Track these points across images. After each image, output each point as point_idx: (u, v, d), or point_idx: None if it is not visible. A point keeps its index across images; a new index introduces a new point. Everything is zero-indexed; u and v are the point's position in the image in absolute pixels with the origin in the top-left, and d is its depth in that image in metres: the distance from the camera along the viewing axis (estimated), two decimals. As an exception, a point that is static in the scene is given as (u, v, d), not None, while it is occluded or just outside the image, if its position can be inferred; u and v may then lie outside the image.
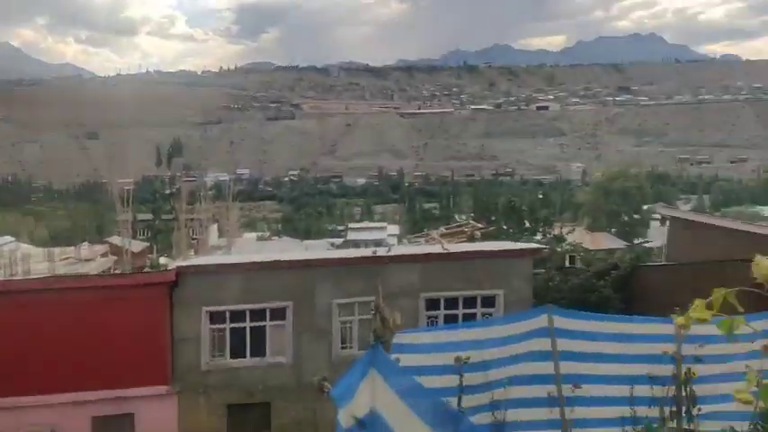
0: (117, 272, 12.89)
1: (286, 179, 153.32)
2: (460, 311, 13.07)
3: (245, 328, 12.73)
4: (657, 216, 40.90)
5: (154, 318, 12.21)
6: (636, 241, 41.15)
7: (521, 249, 13.96)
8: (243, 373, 12.62)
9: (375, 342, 1.57)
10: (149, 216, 77.13)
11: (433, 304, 13.05)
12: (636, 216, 54.08)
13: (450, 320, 12.77)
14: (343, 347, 12.65)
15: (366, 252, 13.49)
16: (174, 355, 12.43)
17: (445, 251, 13.19)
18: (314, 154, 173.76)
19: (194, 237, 34.59)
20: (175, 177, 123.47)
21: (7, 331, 11.50)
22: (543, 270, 17.09)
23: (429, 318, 12.90)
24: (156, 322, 12.22)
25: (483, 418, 4.96)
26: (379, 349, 1.64)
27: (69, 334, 11.72)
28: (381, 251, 13.44)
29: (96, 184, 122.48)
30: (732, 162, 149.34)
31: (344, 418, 1.94)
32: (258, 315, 12.73)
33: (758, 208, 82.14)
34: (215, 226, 36.11)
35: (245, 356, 12.72)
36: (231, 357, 12.71)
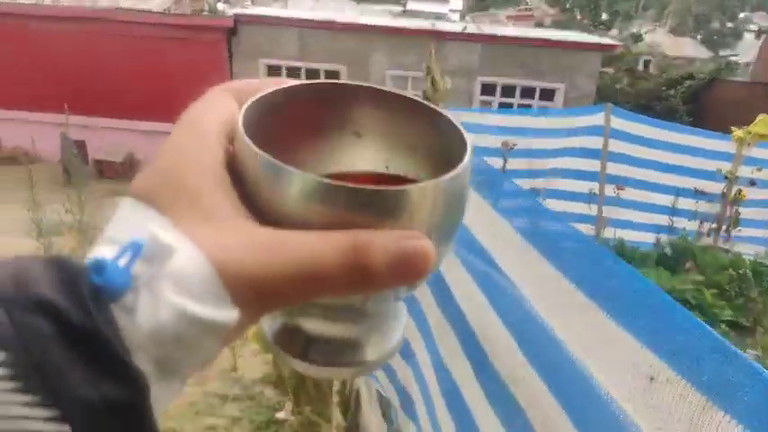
0: (177, 12, 12.76)
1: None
2: (516, 101, 12.78)
3: (300, 86, 12.83)
4: (754, 27, 37.34)
5: (213, 62, 12.40)
6: (722, 53, 38.21)
7: (592, 43, 13.08)
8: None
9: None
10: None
11: (488, 89, 12.75)
12: (729, 24, 49.50)
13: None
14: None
15: (425, 24, 12.86)
16: (233, 102, 12.87)
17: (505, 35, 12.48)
18: None
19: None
20: None
21: (81, 57, 12.03)
22: (612, 70, 16.25)
23: (483, 103, 12.70)
24: (216, 67, 12.43)
25: None
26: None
27: (137, 68, 12.21)
28: (441, 25, 12.80)
29: None
30: None
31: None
32: (313, 75, 12.73)
33: None
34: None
35: (297, 115, 13.02)
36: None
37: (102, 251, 0.24)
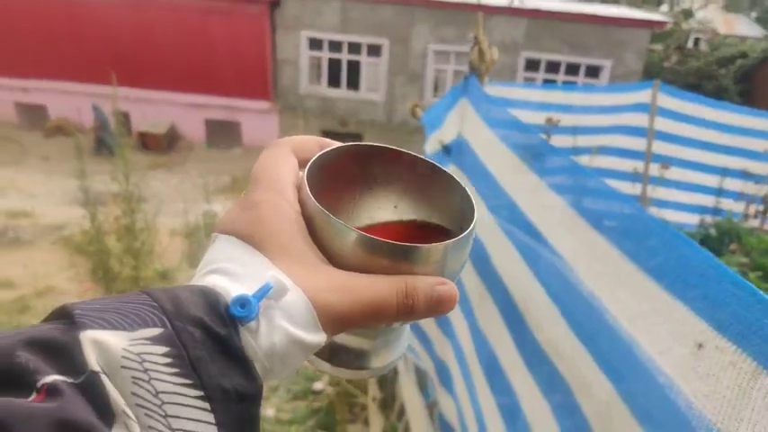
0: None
1: None
2: (561, 77, 12.53)
3: (341, 60, 12.81)
4: (812, 5, 35.73)
5: (256, 35, 12.47)
6: (776, 31, 36.58)
7: (640, 19, 12.68)
8: (338, 103, 13.04)
9: (470, 73, 1.48)
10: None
11: (532, 65, 12.53)
12: (786, 2, 47.42)
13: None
14: (435, 95, 12.66)
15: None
16: (276, 75, 12.90)
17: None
18: None
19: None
20: None
21: (126, 28, 12.26)
22: (661, 47, 15.75)
23: (526, 79, 12.50)
24: (259, 40, 12.50)
25: None
26: (472, 80, 1.57)
27: (180, 40, 12.35)
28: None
29: None
30: None
31: (431, 144, 1.98)
32: (355, 49, 12.69)
33: None
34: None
35: (340, 87, 13.02)
36: (328, 86, 13.06)
37: (237, 287, 0.33)
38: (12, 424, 0.23)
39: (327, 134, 13.34)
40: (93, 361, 0.27)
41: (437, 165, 0.43)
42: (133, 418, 0.28)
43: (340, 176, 0.43)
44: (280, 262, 0.35)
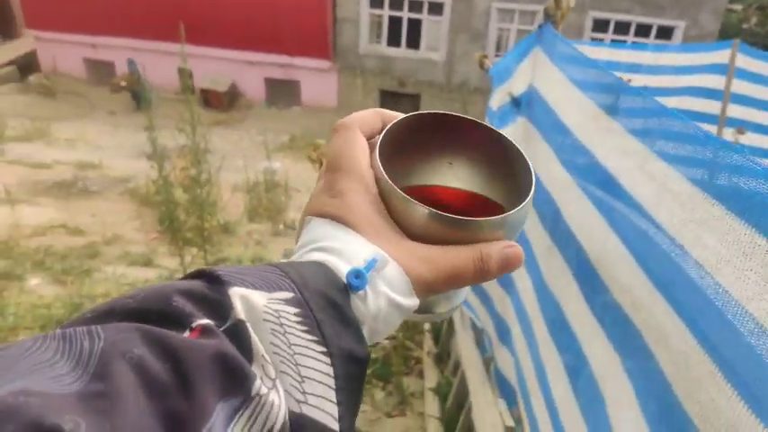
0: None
1: None
2: (630, 38, 12.01)
3: (402, 18, 12.62)
4: None
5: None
6: None
7: (721, -24, 11.95)
8: (397, 62, 12.90)
9: (545, 21, 1.42)
10: None
11: (600, 25, 12.04)
12: None
13: (616, 46, 11.84)
14: (497, 55, 12.35)
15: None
16: (335, 34, 12.84)
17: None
18: None
19: None
20: None
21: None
22: (740, 7, 14.86)
23: (593, 40, 12.02)
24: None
25: None
26: (548, 28, 1.51)
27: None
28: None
29: None
30: None
31: (498, 97, 1.93)
32: (416, 7, 12.47)
33: None
34: None
35: (399, 46, 12.87)
36: (387, 45, 12.92)
37: (344, 262, 0.39)
38: (184, 349, 0.29)
39: (386, 94, 13.29)
40: (240, 311, 0.33)
41: (495, 129, 0.47)
42: (270, 362, 0.32)
43: (404, 146, 0.47)
44: (372, 239, 0.41)
